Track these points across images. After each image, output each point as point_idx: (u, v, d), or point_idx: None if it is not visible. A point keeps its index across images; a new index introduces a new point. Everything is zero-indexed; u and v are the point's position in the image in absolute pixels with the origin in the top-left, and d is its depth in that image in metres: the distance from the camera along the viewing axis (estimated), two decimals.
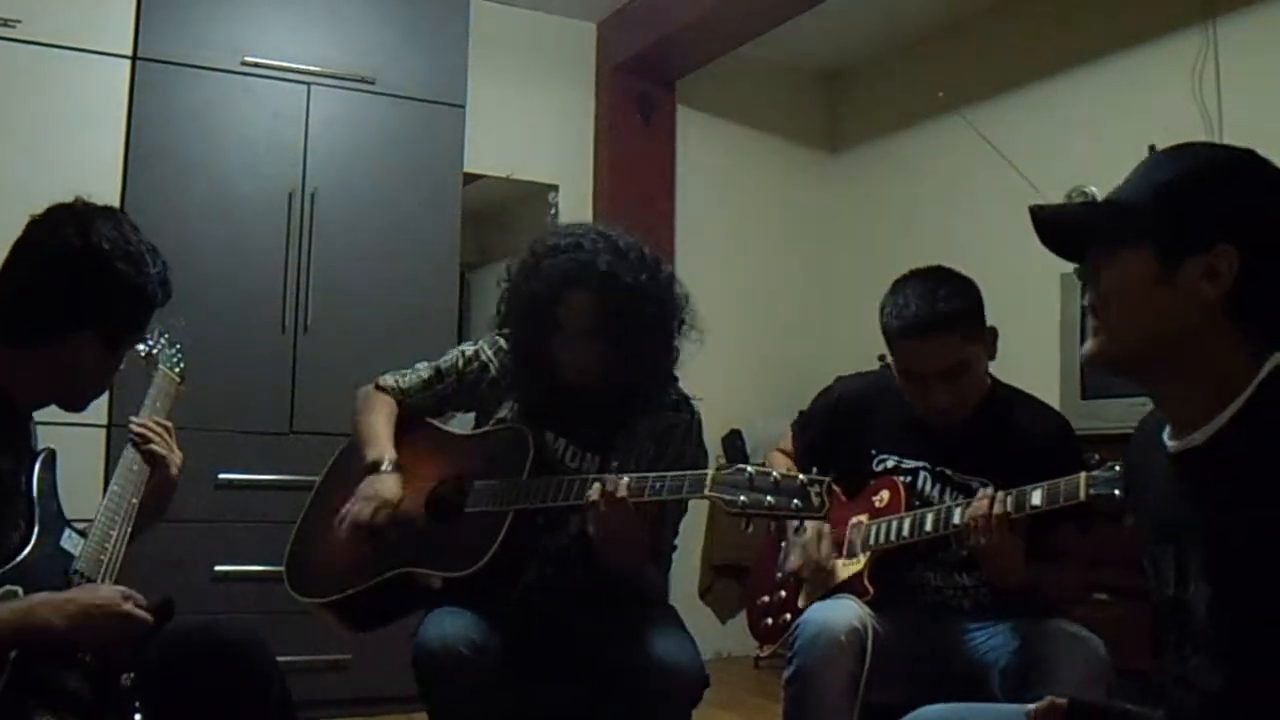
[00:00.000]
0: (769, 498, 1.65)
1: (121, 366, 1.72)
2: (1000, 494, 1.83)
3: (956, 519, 1.90)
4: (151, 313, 1.69)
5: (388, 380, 2.15)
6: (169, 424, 1.79)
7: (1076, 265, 1.24)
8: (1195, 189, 1.13)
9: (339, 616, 2.01)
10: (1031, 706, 1.29)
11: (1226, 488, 1.10)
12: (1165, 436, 1.18)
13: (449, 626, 1.75)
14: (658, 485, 1.77)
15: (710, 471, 1.73)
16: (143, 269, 1.61)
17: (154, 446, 1.73)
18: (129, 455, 1.72)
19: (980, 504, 1.83)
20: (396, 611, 2.01)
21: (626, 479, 1.78)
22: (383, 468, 1.97)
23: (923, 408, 2.02)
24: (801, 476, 1.66)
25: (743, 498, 1.66)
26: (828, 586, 2.04)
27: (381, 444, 2.02)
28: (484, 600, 1.82)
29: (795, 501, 1.64)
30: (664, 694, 1.77)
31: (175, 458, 1.77)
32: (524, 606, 1.90)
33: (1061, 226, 1.22)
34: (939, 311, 1.92)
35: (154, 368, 1.89)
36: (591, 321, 1.91)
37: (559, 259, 1.92)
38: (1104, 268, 1.17)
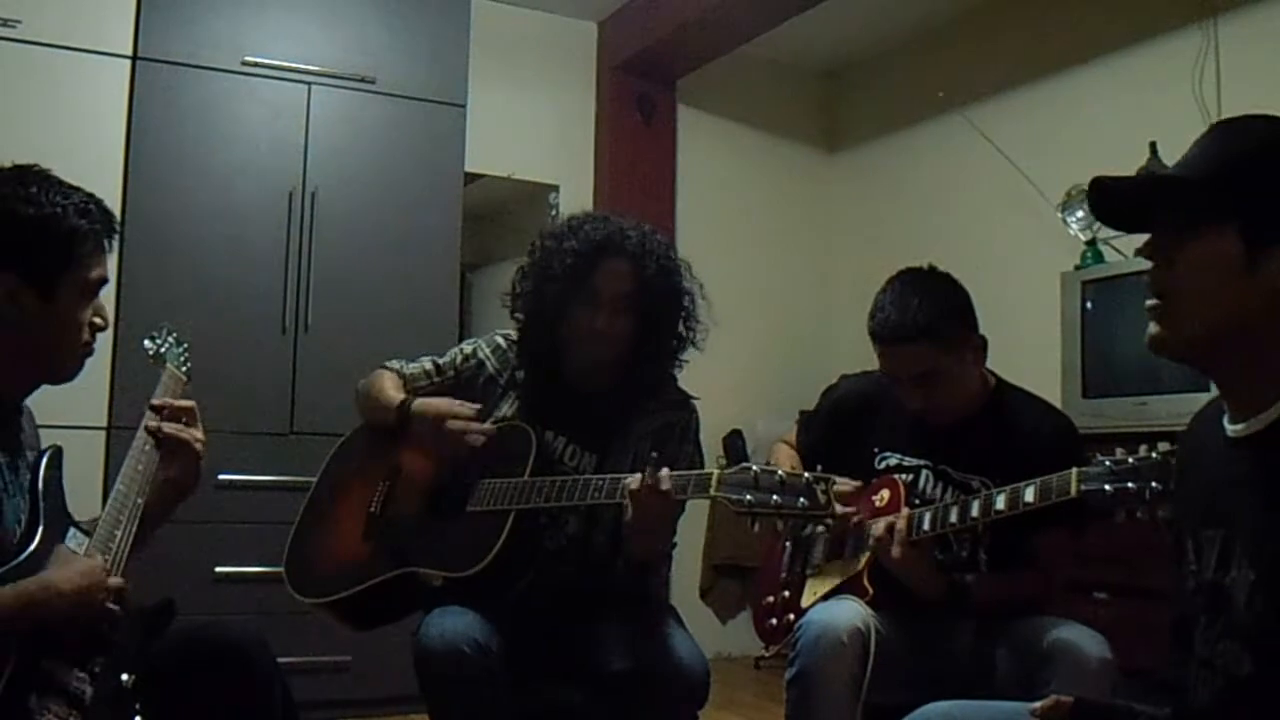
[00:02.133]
0: (775, 497, 1.65)
1: (100, 322, 1.65)
2: (907, 510, 1.91)
3: (954, 518, 1.90)
4: (75, 241, 1.59)
5: (392, 364, 2.17)
6: (190, 404, 1.73)
7: (1140, 245, 1.14)
8: None
9: (340, 616, 2.01)
10: (1036, 705, 1.28)
11: None
12: (1225, 421, 1.16)
13: (450, 625, 1.75)
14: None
15: (715, 471, 1.73)
16: (44, 203, 1.56)
17: (168, 432, 1.68)
18: (121, 489, 1.65)
19: (887, 521, 1.90)
20: (398, 611, 2.01)
21: (667, 470, 1.76)
22: (410, 401, 1.99)
23: (908, 406, 2.06)
24: (807, 475, 1.67)
25: (749, 497, 1.66)
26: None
27: (395, 394, 2.04)
28: (484, 599, 1.82)
29: (802, 500, 1.65)
30: (671, 696, 1.77)
31: (194, 435, 1.71)
32: (523, 606, 1.89)
33: (1130, 198, 1.15)
34: (909, 321, 1.95)
35: (161, 366, 1.88)
36: (624, 288, 1.93)
37: (596, 224, 1.96)
38: (1180, 249, 1.10)
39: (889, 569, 1.92)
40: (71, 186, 1.62)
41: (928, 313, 1.95)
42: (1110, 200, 1.17)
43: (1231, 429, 1.14)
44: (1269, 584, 1.08)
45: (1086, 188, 1.17)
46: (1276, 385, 1.09)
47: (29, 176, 1.59)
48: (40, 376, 1.64)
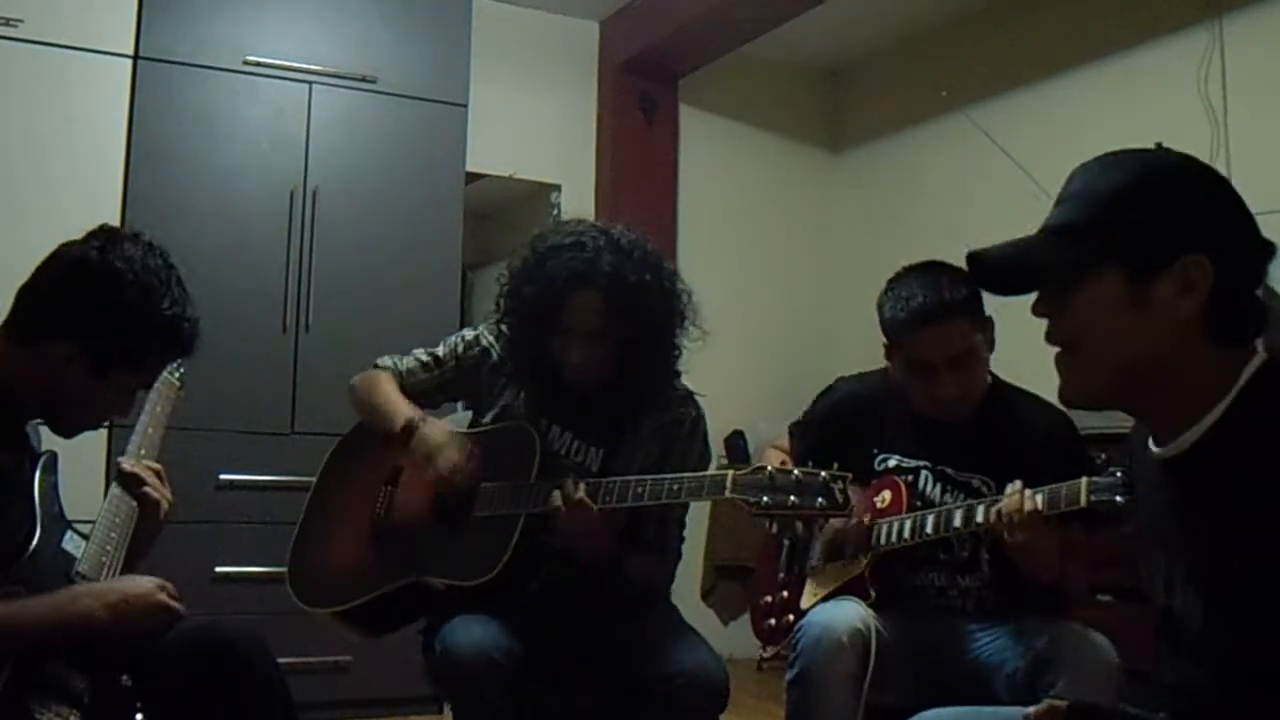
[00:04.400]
0: (792, 497, 1.65)
1: (119, 417, 1.69)
2: (1029, 491, 1.80)
3: (958, 521, 1.89)
4: (150, 352, 1.65)
5: (385, 361, 2.14)
6: (159, 466, 1.75)
7: (1032, 305, 1.15)
8: (1152, 198, 1.08)
9: (349, 625, 2.00)
10: (1031, 709, 1.27)
11: (1210, 495, 1.07)
12: (1150, 443, 1.15)
13: (479, 634, 1.73)
14: (676, 487, 1.77)
15: (730, 472, 1.72)
16: (151, 300, 1.58)
17: (148, 490, 1.70)
18: (116, 493, 1.68)
19: (1012, 500, 1.81)
20: (407, 617, 2.00)
21: (585, 484, 1.79)
22: (417, 423, 1.95)
23: (929, 401, 2.01)
24: (824, 474, 1.66)
25: (765, 498, 1.66)
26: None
27: (402, 407, 2.00)
28: (492, 604, 1.80)
29: (820, 500, 1.64)
30: (692, 702, 1.76)
31: (166, 500, 1.73)
32: (539, 610, 1.88)
33: (1015, 264, 1.15)
34: (947, 298, 1.92)
35: None
36: (597, 322, 1.88)
37: (562, 259, 1.89)
38: (1069, 300, 1.10)
39: (1012, 550, 1.82)
40: (182, 292, 1.63)
41: (960, 290, 1.93)
42: (991, 269, 1.16)
43: (1155, 451, 1.14)
44: (1218, 608, 1.07)
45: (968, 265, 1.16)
46: (1191, 409, 1.08)
47: (151, 258, 1.61)
48: (44, 419, 1.66)
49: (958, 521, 1.90)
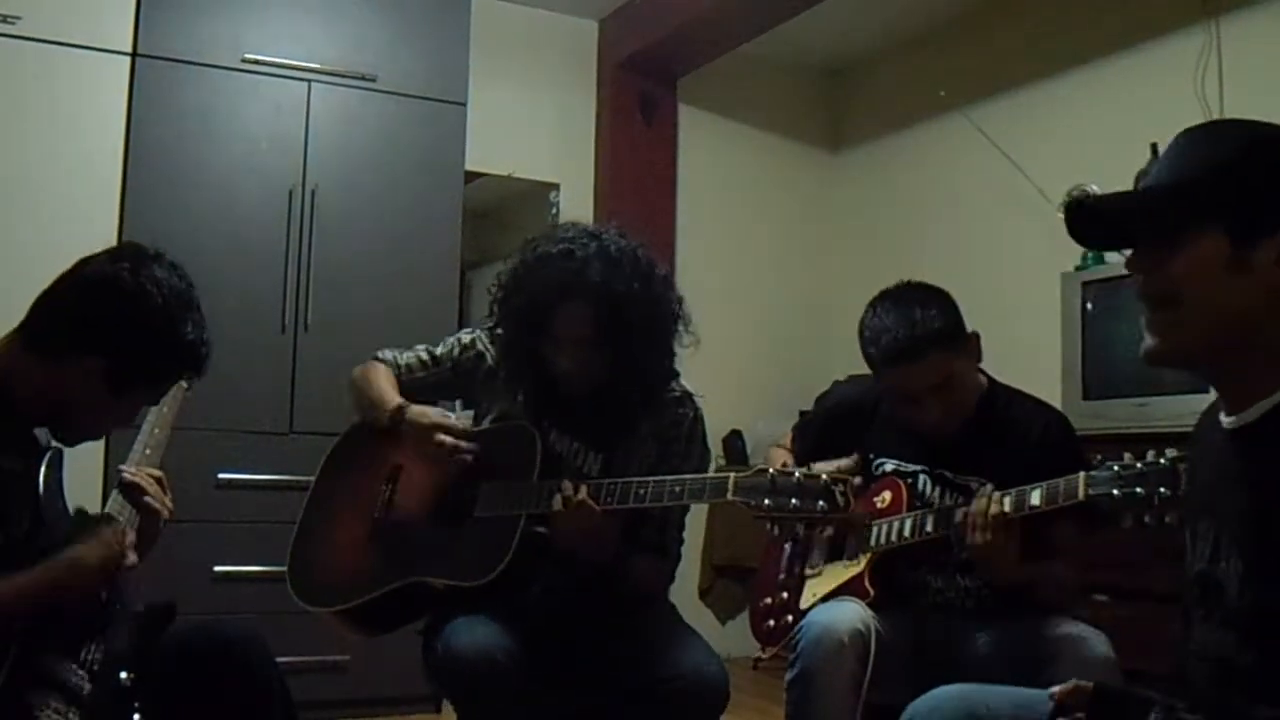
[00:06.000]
0: (794, 500, 1.65)
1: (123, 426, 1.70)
2: (998, 494, 1.83)
3: (958, 519, 1.90)
4: (168, 373, 1.68)
5: (386, 354, 2.14)
6: (160, 474, 1.74)
7: (1128, 260, 1.16)
8: (1261, 166, 1.10)
9: (349, 624, 2.00)
10: (1056, 688, 1.28)
11: (1274, 464, 1.09)
12: (1222, 415, 1.18)
13: (481, 636, 1.73)
14: (678, 489, 1.77)
15: (732, 475, 1.73)
16: (176, 325, 1.61)
17: (149, 500, 1.69)
18: (118, 498, 1.67)
19: (979, 503, 1.83)
20: (407, 617, 2.00)
21: (586, 485, 1.79)
22: (406, 410, 1.97)
23: (916, 423, 2.02)
24: (825, 476, 1.66)
25: (767, 501, 1.66)
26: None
27: (392, 396, 2.02)
28: (495, 604, 1.81)
29: (820, 503, 1.64)
30: (696, 706, 1.77)
31: (166, 509, 1.73)
32: (540, 611, 1.88)
33: (1116, 214, 1.16)
34: (919, 334, 1.91)
35: None
36: (584, 331, 1.88)
37: (550, 269, 1.88)
38: (1171, 255, 1.11)
39: (975, 552, 1.84)
40: (200, 317, 1.66)
41: (935, 321, 1.92)
42: (1092, 219, 1.17)
43: (1226, 421, 1.16)
44: (1258, 573, 1.09)
45: (1064, 211, 1.18)
46: (1269, 377, 1.10)
47: (177, 281, 1.63)
48: (49, 427, 1.66)
49: (958, 518, 1.90)
